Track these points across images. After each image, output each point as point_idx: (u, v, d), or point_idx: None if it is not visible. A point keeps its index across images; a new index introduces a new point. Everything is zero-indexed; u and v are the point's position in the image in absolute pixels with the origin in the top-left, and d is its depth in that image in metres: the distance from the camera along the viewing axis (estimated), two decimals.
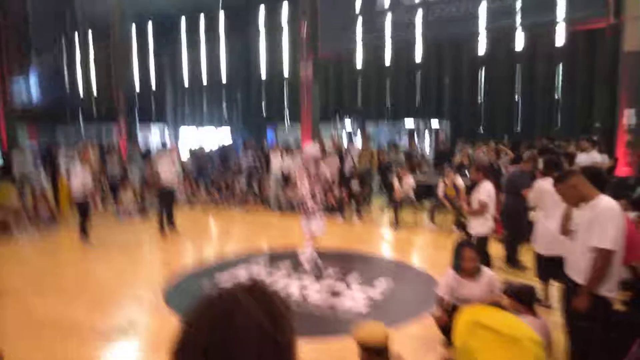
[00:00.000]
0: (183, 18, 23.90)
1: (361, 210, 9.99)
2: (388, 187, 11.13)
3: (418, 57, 18.51)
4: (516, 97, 17.41)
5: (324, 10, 15.73)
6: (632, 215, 5.86)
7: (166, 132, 22.71)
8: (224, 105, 23.91)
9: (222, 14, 22.40)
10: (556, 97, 16.72)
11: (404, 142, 17.20)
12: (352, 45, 15.72)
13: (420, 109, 18.85)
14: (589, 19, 11.98)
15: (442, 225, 9.19)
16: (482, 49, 17.31)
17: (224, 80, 23.53)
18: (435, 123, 17.69)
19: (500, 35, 15.50)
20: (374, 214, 10.36)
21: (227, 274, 6.34)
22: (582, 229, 3.37)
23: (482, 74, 17.91)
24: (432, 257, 7.49)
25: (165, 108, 25.06)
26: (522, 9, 12.64)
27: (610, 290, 3.27)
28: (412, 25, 14.22)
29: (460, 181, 9.04)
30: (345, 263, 6.88)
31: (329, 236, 7.94)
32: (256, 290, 1.04)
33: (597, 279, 3.21)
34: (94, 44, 20.88)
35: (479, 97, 18.07)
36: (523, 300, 3.52)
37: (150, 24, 24.66)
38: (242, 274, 6.36)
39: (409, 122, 18.25)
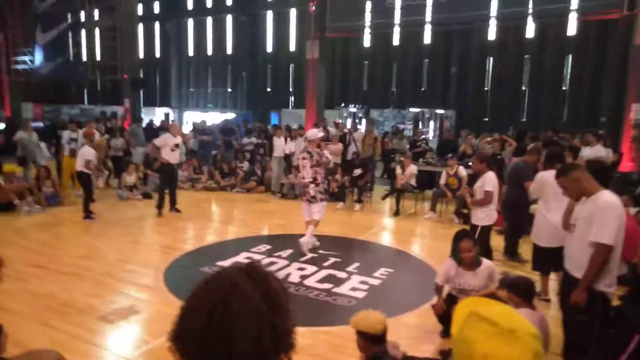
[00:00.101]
0: None
1: (362, 197, 9.99)
2: (390, 175, 11.12)
3: (426, 41, 18.32)
4: (523, 87, 17.28)
5: None
6: (633, 210, 5.85)
7: (171, 114, 22.62)
8: (229, 88, 23.81)
9: None
10: (564, 88, 16.59)
11: (408, 129, 17.14)
12: (360, 27, 15.51)
13: (426, 96, 18.75)
14: (602, 10, 11.80)
15: (443, 215, 9.20)
16: (491, 35, 17.12)
17: (229, 61, 23.42)
18: (440, 111, 17.58)
19: (510, 23, 15.29)
20: (375, 201, 10.36)
21: (227, 258, 6.37)
22: (581, 223, 3.37)
23: (490, 62, 17.75)
24: (432, 247, 7.50)
25: (170, 91, 24.99)
26: None
27: (608, 286, 3.28)
28: (422, 7, 14.00)
29: (463, 171, 9.02)
30: (345, 250, 6.91)
31: (329, 222, 7.95)
32: (253, 273, 1.04)
33: (595, 274, 3.21)
34: (99, 20, 20.70)
35: (486, 86, 17.94)
36: (520, 292, 3.53)
37: (157, 2, 24.44)
38: (241, 258, 6.39)
39: (414, 110, 18.13)
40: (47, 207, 9.01)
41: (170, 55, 24.77)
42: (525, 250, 6.42)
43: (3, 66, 21.64)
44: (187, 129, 16.76)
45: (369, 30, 16.02)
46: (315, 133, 7.14)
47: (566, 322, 3.57)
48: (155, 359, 3.79)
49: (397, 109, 18.96)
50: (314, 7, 15.42)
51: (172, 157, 8.82)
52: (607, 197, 3.25)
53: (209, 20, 23.61)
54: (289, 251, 6.64)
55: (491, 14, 13.40)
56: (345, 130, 12.44)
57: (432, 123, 17.95)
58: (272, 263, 6.16)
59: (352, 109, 19.19)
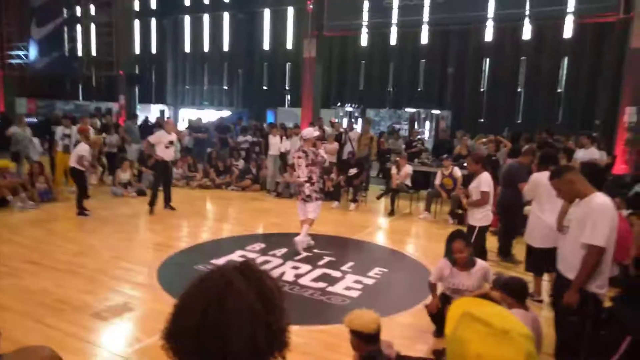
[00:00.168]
0: None
1: (358, 197, 10.01)
2: (386, 174, 11.14)
3: (423, 41, 18.34)
4: (519, 88, 17.35)
5: None
6: (625, 213, 5.89)
7: (166, 111, 22.53)
8: (225, 86, 23.74)
9: None
10: (559, 90, 16.67)
11: (404, 129, 17.17)
12: (358, 26, 15.49)
13: (422, 96, 18.78)
14: (599, 13, 11.86)
15: (438, 215, 9.22)
16: (488, 36, 17.16)
17: (226, 57, 23.35)
18: (436, 112, 17.61)
19: (507, 25, 15.33)
20: (371, 201, 10.38)
21: (221, 256, 6.36)
22: (575, 225, 3.40)
23: (487, 63, 17.80)
24: (426, 247, 7.53)
25: (166, 88, 24.87)
26: None
27: (600, 287, 3.31)
28: (420, 7, 14.01)
29: (458, 172, 9.05)
30: (339, 249, 6.92)
31: (324, 221, 7.96)
32: (248, 272, 1.04)
33: (587, 275, 3.24)
34: (95, 15, 20.56)
35: (482, 87, 18.00)
36: (513, 293, 3.55)
37: None
38: (236, 256, 6.39)
39: (410, 110, 18.15)
40: (40, 203, 8.95)
41: (167, 52, 24.68)
42: (518, 251, 6.45)
43: None
44: (182, 126, 16.72)
45: (367, 30, 16.03)
46: (310, 132, 7.13)
47: (558, 322, 3.60)
48: (149, 357, 3.79)
49: (394, 108, 18.98)
50: (311, 6, 15.41)
51: (166, 154, 8.78)
52: (600, 200, 3.28)
53: (206, 17, 23.54)
54: (284, 250, 6.64)
55: (488, 15, 13.44)
56: (341, 130, 12.44)
57: (428, 123, 17.98)
58: (266, 262, 6.16)
59: (349, 108, 19.20)
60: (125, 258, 6.26)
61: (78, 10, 21.23)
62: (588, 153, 8.67)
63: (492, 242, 6.50)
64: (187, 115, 21.29)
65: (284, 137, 11.47)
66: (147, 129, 14.33)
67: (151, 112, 21.94)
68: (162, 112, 22.06)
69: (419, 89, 19.22)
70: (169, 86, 25.04)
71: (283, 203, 10.19)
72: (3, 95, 21.56)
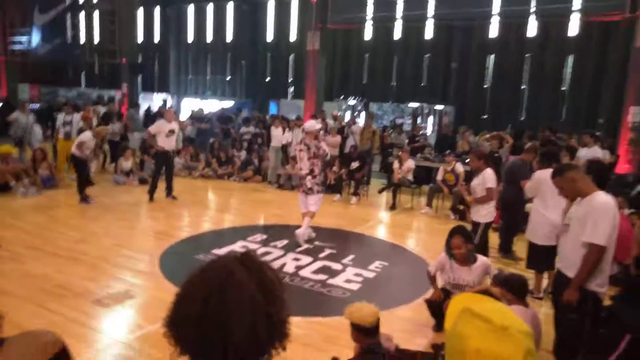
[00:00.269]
0: None
1: (359, 190, 10.02)
2: (388, 169, 11.13)
3: (428, 36, 18.25)
4: (523, 85, 17.28)
5: None
6: (627, 212, 5.90)
7: (169, 101, 22.49)
8: (228, 76, 23.69)
9: None
10: (563, 88, 16.60)
11: (407, 123, 17.12)
12: (362, 19, 15.41)
13: (426, 91, 18.71)
14: (605, 11, 11.77)
15: (439, 210, 9.24)
16: (493, 33, 17.07)
17: (229, 48, 23.26)
18: (439, 107, 17.55)
19: (513, 21, 15.23)
20: (372, 195, 10.39)
21: (222, 246, 6.39)
22: (576, 223, 3.41)
23: (491, 59, 17.72)
24: (427, 242, 7.54)
25: (169, 77, 24.80)
26: None
27: (600, 286, 3.33)
28: (424, 1, 13.92)
29: (460, 167, 9.05)
30: (340, 242, 6.94)
31: (326, 214, 7.98)
32: (249, 262, 1.05)
33: (587, 274, 3.25)
34: (99, 2, 20.46)
35: (486, 83, 17.93)
36: (513, 290, 3.56)
37: None
38: (237, 247, 6.41)
39: (413, 105, 18.09)
40: (42, 190, 8.98)
41: (170, 41, 24.59)
42: (519, 247, 6.48)
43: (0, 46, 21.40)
44: (185, 116, 16.70)
45: (371, 23, 15.94)
46: (313, 125, 7.10)
47: (558, 320, 3.62)
48: (150, 344, 3.82)
49: (397, 103, 18.92)
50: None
51: (167, 143, 8.74)
52: (602, 198, 3.29)
53: (210, 7, 23.42)
54: (285, 241, 6.67)
55: (493, 12, 13.36)
56: (344, 123, 12.42)
57: (430, 118, 17.92)
58: (267, 253, 6.18)
59: (351, 101, 19.14)
60: (127, 246, 6.29)
61: None
62: (591, 152, 8.65)
63: (493, 239, 6.51)
64: (189, 105, 21.25)
65: (286, 129, 11.46)
66: (150, 118, 14.33)
67: (153, 101, 21.91)
68: (164, 101, 22.02)
69: (422, 84, 19.15)
70: (172, 75, 24.97)
71: (284, 195, 10.21)
72: (6, 81, 21.53)
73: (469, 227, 5.39)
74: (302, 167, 6.84)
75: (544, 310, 4.62)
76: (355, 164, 10.14)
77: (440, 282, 4.41)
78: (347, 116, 16.31)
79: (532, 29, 16.23)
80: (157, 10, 24.82)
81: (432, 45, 18.45)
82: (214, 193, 10.45)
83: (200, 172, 11.60)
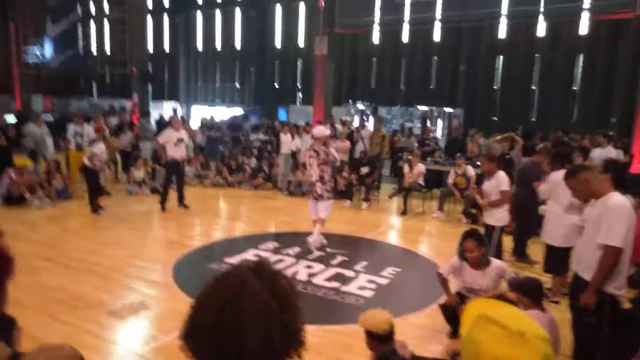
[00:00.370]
0: None
1: (370, 196, 9.98)
2: (398, 173, 11.10)
3: (436, 39, 18.21)
4: (533, 86, 17.16)
5: None
6: None
7: (179, 109, 22.69)
8: (237, 83, 23.85)
9: None
10: (574, 88, 16.45)
11: (416, 127, 17.07)
12: (369, 23, 15.43)
13: (435, 94, 18.66)
14: (615, 9, 11.65)
15: (451, 214, 9.17)
16: (501, 34, 16.99)
17: (238, 55, 23.45)
18: (448, 110, 17.49)
19: (522, 21, 15.14)
20: (383, 200, 10.35)
21: (235, 255, 6.40)
22: (590, 225, 3.36)
23: (500, 60, 17.63)
24: (439, 246, 7.49)
25: (178, 85, 25.04)
26: None
27: (618, 288, 3.27)
28: (432, 4, 13.90)
29: (471, 170, 8.98)
30: (352, 249, 6.91)
31: (337, 220, 7.96)
32: (262, 271, 1.05)
33: (604, 276, 3.20)
34: (109, 13, 20.75)
35: (495, 85, 17.83)
36: (529, 294, 3.52)
37: None
38: (249, 255, 6.42)
39: (422, 108, 18.04)
40: (56, 201, 9.08)
41: (179, 49, 24.85)
42: (533, 250, 6.40)
43: (13, 58, 21.75)
44: (196, 124, 16.84)
45: (378, 27, 15.95)
46: (322, 131, 7.09)
47: (575, 324, 3.56)
48: (165, 356, 3.83)
49: (405, 106, 18.89)
50: (323, 2, 15.38)
51: (176, 152, 8.72)
52: (616, 199, 3.24)
53: (218, 14, 23.64)
54: (297, 249, 6.66)
55: (502, 12, 13.29)
56: (353, 128, 12.43)
57: (440, 121, 17.85)
58: (279, 261, 6.18)
59: (360, 106, 19.14)
60: (140, 256, 6.33)
61: (92, 8, 21.42)
62: (604, 152, 8.55)
63: (506, 242, 6.44)
64: (199, 113, 21.42)
65: (295, 135, 11.48)
66: (163, 126, 14.46)
67: (164, 109, 22.14)
68: (174, 110, 22.24)
69: (431, 87, 19.10)
70: (182, 83, 25.21)
71: (295, 202, 10.21)
72: (20, 93, 21.89)
73: (481, 230, 5.34)
74: (312, 173, 6.83)
75: (562, 315, 4.54)
76: (365, 169, 10.12)
77: (454, 287, 4.37)
78: (356, 121, 16.31)
79: (541, 28, 16.12)
80: (166, 19, 25.10)
81: (440, 47, 18.41)
82: (225, 201, 10.48)
83: (211, 181, 11.65)
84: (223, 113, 19.61)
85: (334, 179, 7.10)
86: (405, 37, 18.68)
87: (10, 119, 18.21)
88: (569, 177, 3.53)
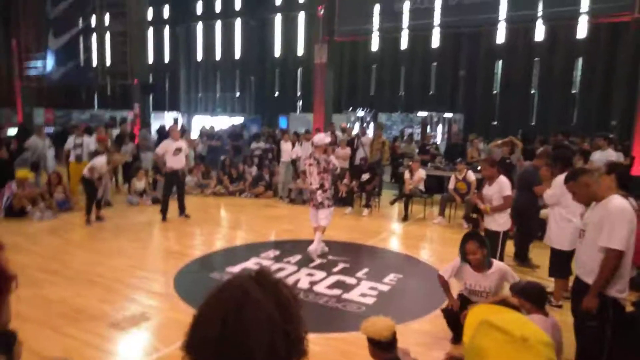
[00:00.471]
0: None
1: (371, 202, 9.98)
2: (399, 179, 11.10)
3: (435, 44, 18.28)
4: (532, 90, 17.19)
5: None
6: None
7: (179, 119, 22.76)
8: (237, 93, 23.94)
9: None
10: (573, 91, 16.48)
11: (416, 133, 17.10)
12: (368, 31, 15.49)
13: (434, 100, 18.70)
14: (613, 12, 11.69)
15: (452, 220, 9.15)
16: (500, 38, 17.05)
17: (238, 65, 23.56)
18: (448, 116, 17.50)
19: (520, 26, 15.18)
20: (384, 206, 10.34)
21: (236, 264, 6.38)
22: (592, 228, 3.35)
23: (499, 65, 17.68)
24: (441, 252, 7.47)
25: (179, 96, 25.15)
26: None
27: (620, 291, 3.25)
28: (431, 10, 13.96)
29: (471, 175, 8.98)
30: (353, 256, 6.90)
31: (338, 228, 7.95)
32: (263, 280, 1.04)
33: (605, 280, 3.19)
34: (110, 25, 20.87)
35: (495, 89, 17.87)
36: (532, 298, 3.50)
37: (166, 6, 24.61)
38: (251, 264, 6.40)
39: (422, 114, 18.07)
40: (58, 213, 9.09)
41: (180, 60, 25.00)
42: (535, 255, 6.38)
43: (15, 71, 21.89)
44: (196, 134, 16.89)
45: (377, 34, 16.01)
46: (322, 139, 7.08)
47: (578, 328, 3.54)
48: None
49: (405, 112, 18.93)
50: (322, 11, 15.46)
51: (175, 162, 8.71)
52: (617, 202, 3.24)
53: (218, 25, 23.79)
54: (298, 257, 6.64)
55: (500, 17, 13.34)
56: (353, 135, 12.44)
57: (440, 127, 17.87)
58: (281, 269, 6.16)
59: (360, 113, 19.19)
60: (142, 267, 6.32)
61: (93, 21, 21.55)
62: (604, 155, 8.54)
63: (508, 247, 6.42)
64: (200, 122, 21.48)
65: (295, 143, 11.50)
66: (164, 137, 14.51)
67: (165, 119, 22.21)
68: (175, 120, 22.30)
69: (431, 93, 19.16)
70: (182, 94, 25.33)
71: (296, 209, 10.21)
72: (21, 106, 21.98)
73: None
74: (312, 181, 6.83)
75: (565, 319, 4.52)
76: (365, 176, 10.12)
77: (456, 289, 4.35)
78: (356, 128, 16.33)
79: (539, 33, 16.19)
80: (166, 30, 25.26)
81: (439, 53, 18.49)
82: (226, 210, 10.48)
83: (212, 190, 11.66)
84: (224, 122, 19.66)
85: (334, 187, 7.09)
86: (404, 44, 18.76)
87: (12, 131, 18.27)
88: (570, 181, 3.53)
